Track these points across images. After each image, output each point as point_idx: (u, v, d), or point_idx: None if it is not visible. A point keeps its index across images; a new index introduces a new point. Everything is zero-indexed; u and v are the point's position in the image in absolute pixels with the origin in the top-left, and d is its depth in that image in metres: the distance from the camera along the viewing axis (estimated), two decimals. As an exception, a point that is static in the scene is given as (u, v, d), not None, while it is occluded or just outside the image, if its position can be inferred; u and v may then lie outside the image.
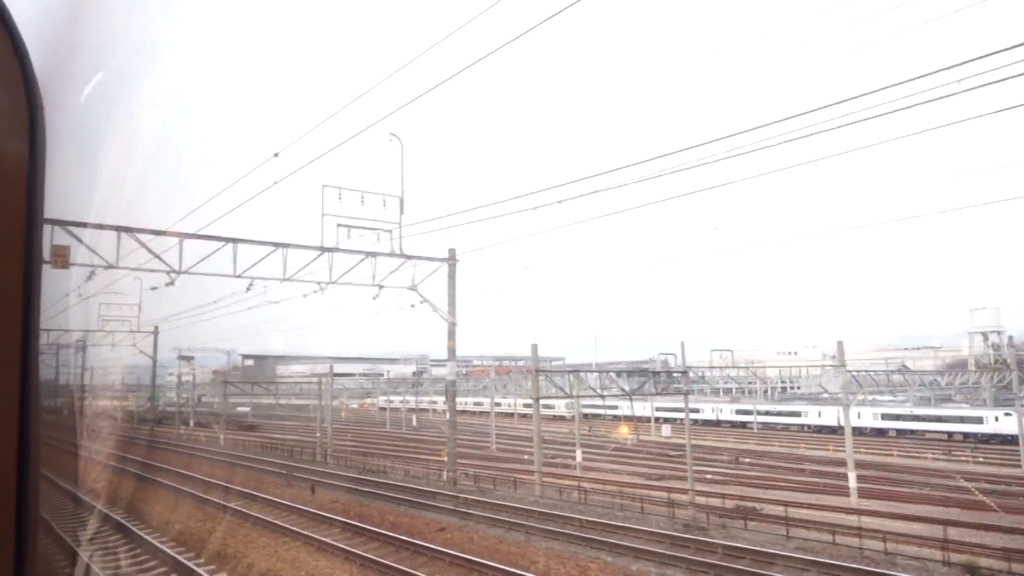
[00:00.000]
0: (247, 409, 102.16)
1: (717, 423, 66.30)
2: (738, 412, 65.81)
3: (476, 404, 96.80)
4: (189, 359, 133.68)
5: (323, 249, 19.45)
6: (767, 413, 62.81)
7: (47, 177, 1.23)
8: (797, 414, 60.22)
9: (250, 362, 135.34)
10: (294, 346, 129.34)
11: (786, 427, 61.06)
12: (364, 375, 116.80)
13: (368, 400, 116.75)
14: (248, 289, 19.19)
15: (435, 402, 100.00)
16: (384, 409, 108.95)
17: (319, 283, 20.13)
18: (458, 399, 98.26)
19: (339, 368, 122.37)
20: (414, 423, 70.72)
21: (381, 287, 21.27)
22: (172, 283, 17.60)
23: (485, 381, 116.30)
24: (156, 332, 42.14)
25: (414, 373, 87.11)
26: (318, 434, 40.70)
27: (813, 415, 58.48)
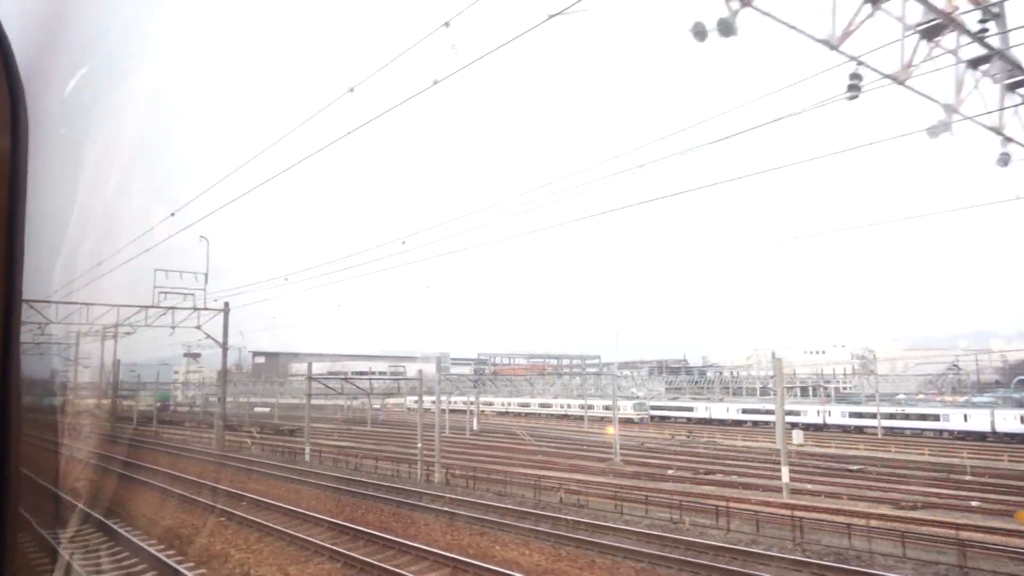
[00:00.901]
0: (267, 410, 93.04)
1: (823, 427, 58.31)
2: (852, 415, 57.75)
3: (522, 405, 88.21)
4: (196, 356, 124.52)
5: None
6: (891, 416, 54.82)
7: (29, 171, 1.21)
8: (935, 417, 52.26)
9: (260, 359, 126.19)
10: (284, 344, 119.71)
11: (918, 432, 53.15)
12: (391, 374, 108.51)
13: (391, 400, 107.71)
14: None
15: (471, 402, 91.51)
16: (413, 411, 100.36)
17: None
18: (498, 399, 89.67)
19: (356, 366, 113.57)
20: (475, 427, 62.05)
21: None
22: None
23: (513, 380, 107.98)
24: (227, 310, 32.95)
25: (475, 371, 78.41)
26: (419, 445, 32.03)
27: (957, 419, 50.52)
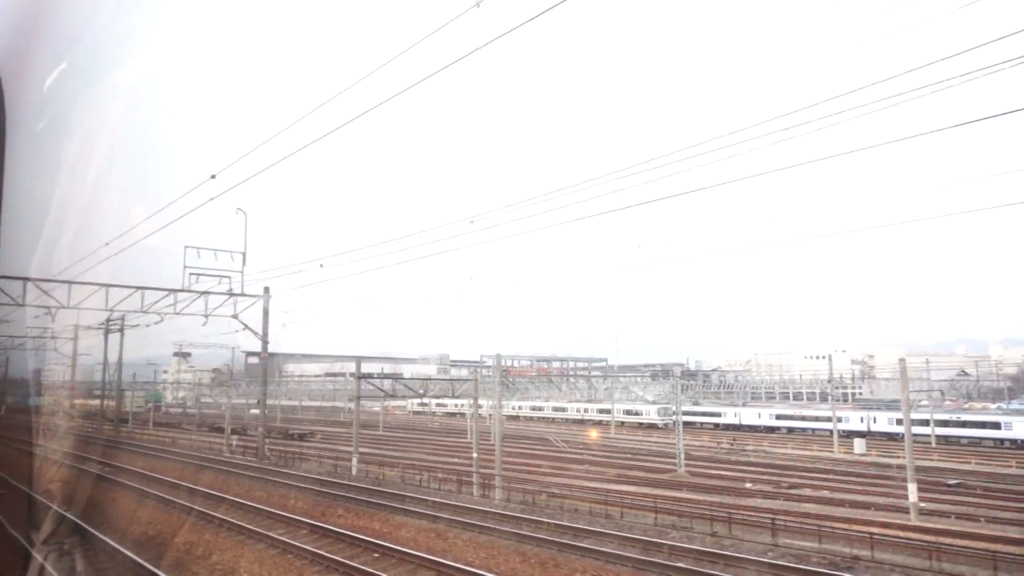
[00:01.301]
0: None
1: (867, 435, 55.14)
2: (899, 422, 54.54)
3: (534, 409, 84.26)
4: (186, 356, 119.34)
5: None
6: (944, 423, 51.85)
7: (6, 166, 1.15)
8: (994, 425, 49.32)
9: (254, 360, 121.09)
10: (275, 343, 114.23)
11: (975, 441, 50.18)
12: (396, 376, 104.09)
13: (393, 403, 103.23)
14: None
15: (479, 406, 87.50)
16: (419, 413, 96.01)
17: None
18: (507, 403, 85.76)
19: (352, 367, 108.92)
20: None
21: None
22: None
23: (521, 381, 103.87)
24: (267, 295, 28.36)
25: (504, 371, 74.08)
26: (475, 455, 28.11)
27: (1020, 427, 47.58)
